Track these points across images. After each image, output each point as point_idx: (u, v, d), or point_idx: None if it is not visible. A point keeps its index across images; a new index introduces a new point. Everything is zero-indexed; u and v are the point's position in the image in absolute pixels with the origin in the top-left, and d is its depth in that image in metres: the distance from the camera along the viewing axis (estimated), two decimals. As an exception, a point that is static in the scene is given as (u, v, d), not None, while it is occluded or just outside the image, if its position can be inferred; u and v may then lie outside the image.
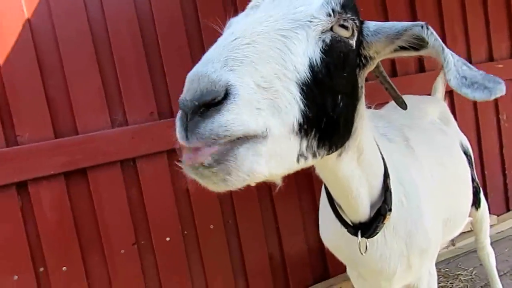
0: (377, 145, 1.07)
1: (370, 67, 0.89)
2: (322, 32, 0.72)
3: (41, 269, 1.75)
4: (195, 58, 2.05)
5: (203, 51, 2.20)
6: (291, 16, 0.70)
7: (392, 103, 1.78)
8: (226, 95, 0.57)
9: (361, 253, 1.08)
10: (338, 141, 0.81)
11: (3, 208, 1.67)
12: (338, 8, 0.74)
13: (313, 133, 0.70)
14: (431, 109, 1.75)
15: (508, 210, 3.20)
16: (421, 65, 2.80)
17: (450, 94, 2.74)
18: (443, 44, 0.78)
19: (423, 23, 0.80)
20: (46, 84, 1.75)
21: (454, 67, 0.74)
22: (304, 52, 0.69)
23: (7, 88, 1.68)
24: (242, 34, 0.65)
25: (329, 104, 0.74)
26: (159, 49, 1.97)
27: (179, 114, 0.63)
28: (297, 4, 0.73)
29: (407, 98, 1.85)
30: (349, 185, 0.97)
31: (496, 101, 3.17)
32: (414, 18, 2.75)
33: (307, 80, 0.67)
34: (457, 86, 0.72)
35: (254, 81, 0.60)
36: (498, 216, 3.03)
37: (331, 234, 1.29)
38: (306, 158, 0.71)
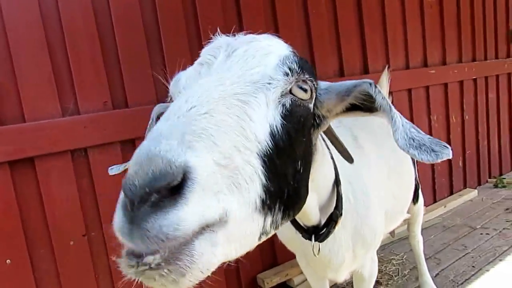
0: (330, 153, 1.09)
1: (324, 127, 0.85)
2: (282, 95, 0.68)
3: (-18, 262, 1.67)
4: (152, 47, 2.04)
5: (160, 40, 2.19)
6: (248, 77, 0.66)
7: None
8: (183, 180, 0.48)
9: (315, 255, 1.13)
10: (301, 204, 0.77)
11: None
12: (295, 67, 0.71)
13: (277, 207, 0.64)
14: None
15: (435, 201, 3.57)
16: (365, 67, 3.02)
17: (389, 95, 3.00)
18: (391, 104, 0.79)
19: (371, 81, 0.79)
20: (-9, 68, 1.65)
21: (402, 127, 0.75)
22: (265, 119, 0.63)
23: None
24: (198, 102, 0.58)
25: (291, 173, 0.68)
26: (114, 36, 1.94)
27: (121, 200, 0.52)
28: (252, 64, 0.69)
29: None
30: None
31: (428, 104, 3.51)
32: (361, 29, 2.96)
33: (268, 150, 0.61)
34: (405, 146, 0.72)
35: (214, 160, 0.52)
36: (426, 206, 3.38)
37: (287, 236, 1.36)
38: (268, 233, 0.65)
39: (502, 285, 2.18)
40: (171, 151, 0.49)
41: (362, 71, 3.01)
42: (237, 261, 2.05)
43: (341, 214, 1.10)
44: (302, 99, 0.72)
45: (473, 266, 2.42)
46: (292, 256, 2.55)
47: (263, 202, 0.60)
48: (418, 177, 2.20)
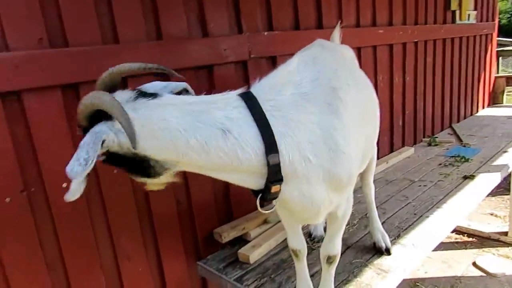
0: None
1: None
2: None
3: None
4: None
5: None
6: None
7: (316, 43, 1.74)
8: None
9: (260, 210, 1.22)
10: None
11: None
12: None
13: None
14: (348, 54, 1.84)
15: (378, 158, 3.76)
16: (320, 22, 2.99)
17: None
18: None
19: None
20: None
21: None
22: None
23: None
24: None
25: None
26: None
27: None
28: None
29: (322, 42, 1.80)
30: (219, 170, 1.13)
31: (375, 65, 3.60)
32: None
33: None
34: None
35: None
36: (370, 163, 3.56)
37: None
38: None
39: (439, 228, 2.39)
40: None
41: (317, 25, 2.97)
42: (192, 217, 1.94)
43: (280, 180, 1.13)
44: None
45: (414, 214, 2.61)
46: (247, 210, 2.55)
47: None
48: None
